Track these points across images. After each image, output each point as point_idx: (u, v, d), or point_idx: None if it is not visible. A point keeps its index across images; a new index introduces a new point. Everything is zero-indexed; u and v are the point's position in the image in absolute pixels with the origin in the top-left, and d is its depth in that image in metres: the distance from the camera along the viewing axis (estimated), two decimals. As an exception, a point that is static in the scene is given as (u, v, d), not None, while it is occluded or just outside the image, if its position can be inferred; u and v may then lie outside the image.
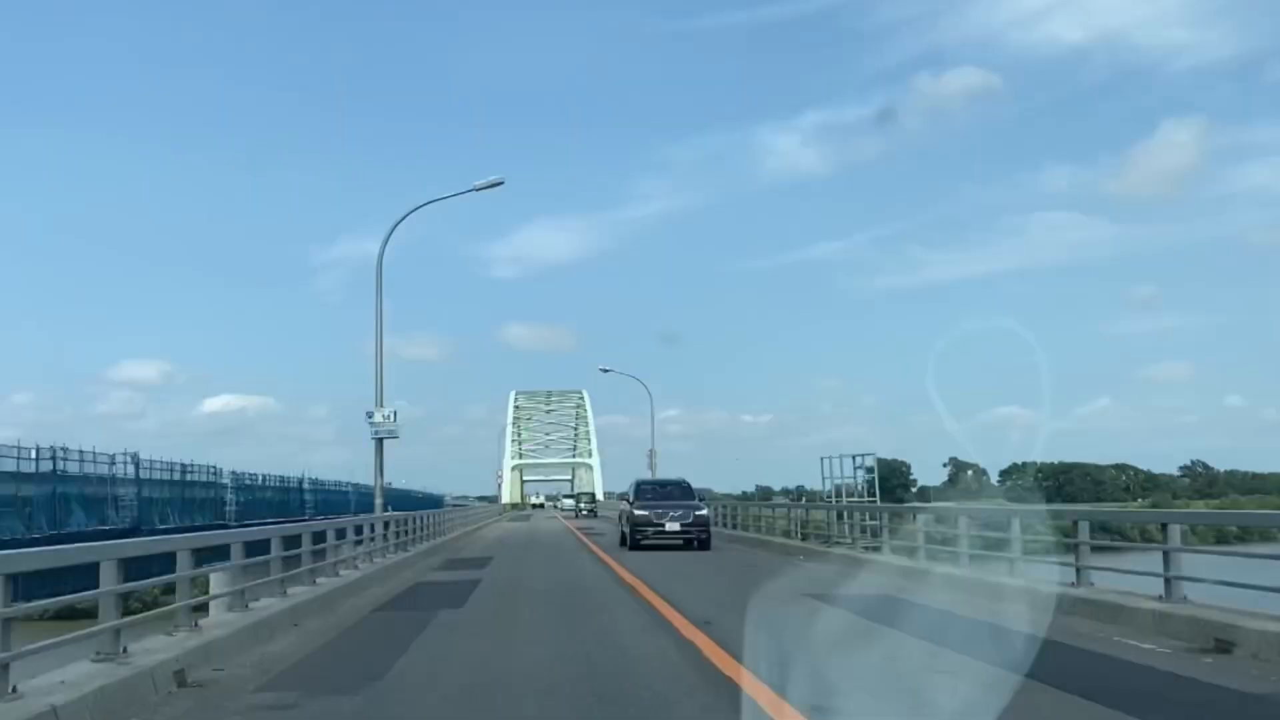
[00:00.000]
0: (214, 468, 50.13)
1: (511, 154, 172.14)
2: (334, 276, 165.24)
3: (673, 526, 22.13)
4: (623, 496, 26.74)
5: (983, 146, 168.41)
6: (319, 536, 13.20)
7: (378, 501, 21.45)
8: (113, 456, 39.23)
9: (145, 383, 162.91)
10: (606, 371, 52.29)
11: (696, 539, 22.22)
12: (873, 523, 19.00)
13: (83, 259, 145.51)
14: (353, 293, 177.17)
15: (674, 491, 24.13)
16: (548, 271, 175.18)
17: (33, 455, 33.16)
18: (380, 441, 21.35)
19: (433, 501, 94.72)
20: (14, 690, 5.55)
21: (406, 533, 21.22)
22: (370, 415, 20.99)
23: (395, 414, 21.06)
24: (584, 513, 69.52)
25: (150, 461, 42.25)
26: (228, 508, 51.22)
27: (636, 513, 22.87)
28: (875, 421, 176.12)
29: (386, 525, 19.05)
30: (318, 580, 12.89)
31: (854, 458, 23.91)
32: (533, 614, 11.25)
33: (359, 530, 16.55)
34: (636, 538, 22.51)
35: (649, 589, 13.30)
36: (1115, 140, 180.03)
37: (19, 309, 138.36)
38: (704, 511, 22.98)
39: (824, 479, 25.01)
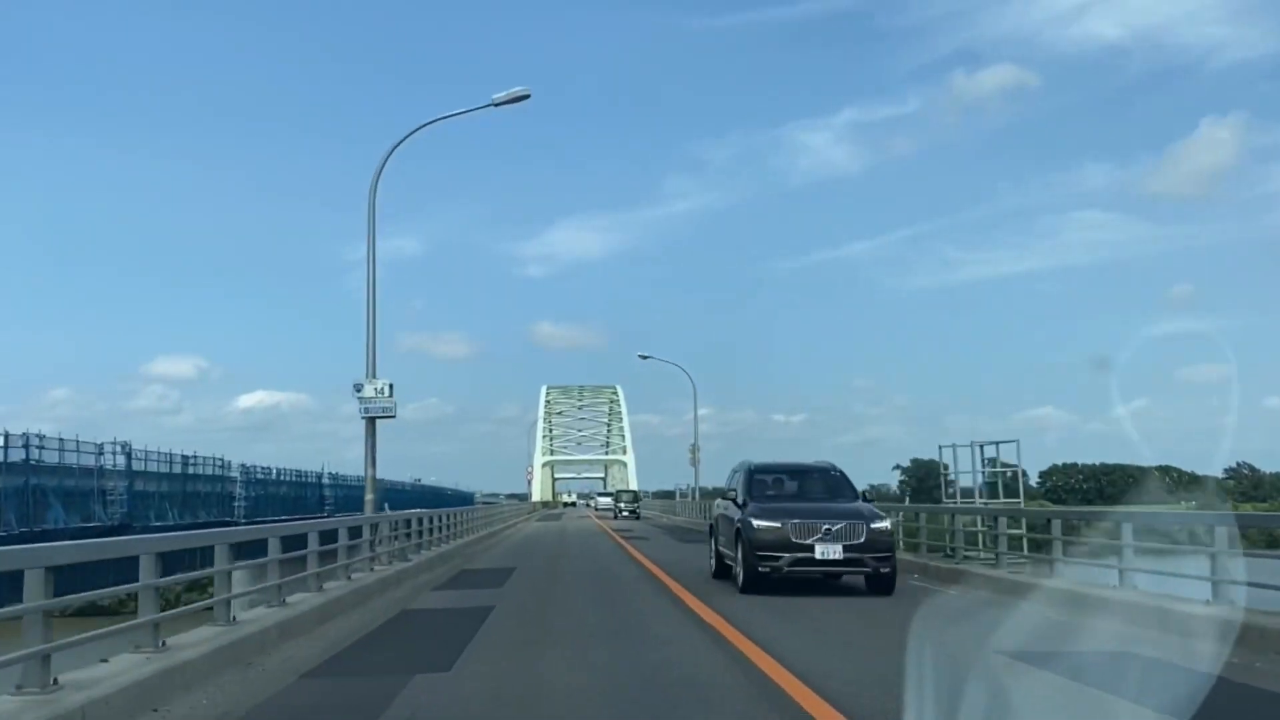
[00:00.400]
0: (221, 460, 46.31)
1: (542, 152, 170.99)
2: (366, 274, 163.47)
3: (829, 551, 12.22)
4: (722, 494, 15.76)
5: (1019, 145, 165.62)
6: (242, 549, 8.76)
7: (368, 498, 17.06)
8: (100, 446, 35.37)
9: (180, 379, 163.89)
10: (646, 358, 47.80)
11: (874, 573, 12.49)
12: (1014, 531, 14.34)
13: (118, 255, 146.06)
14: (386, 289, 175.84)
15: (815, 486, 14.12)
16: (578, 270, 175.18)
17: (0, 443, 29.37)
18: (373, 421, 16.91)
19: (462, 499, 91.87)
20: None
21: (409, 536, 16.84)
22: (359, 389, 16.55)
23: (390, 387, 16.59)
24: (624, 513, 60.31)
25: (146, 452, 38.30)
26: (236, 504, 47.49)
27: (758, 524, 12.61)
28: (908, 421, 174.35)
29: (375, 529, 14.61)
30: (239, 617, 8.45)
31: (981, 447, 18.94)
32: (566, 685, 6.69)
33: (330, 536, 12.13)
34: (758, 569, 12.48)
35: (750, 642, 8.61)
36: (1154, 139, 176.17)
37: (57, 305, 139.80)
38: (884, 523, 12.75)
39: (949, 473, 19.82)
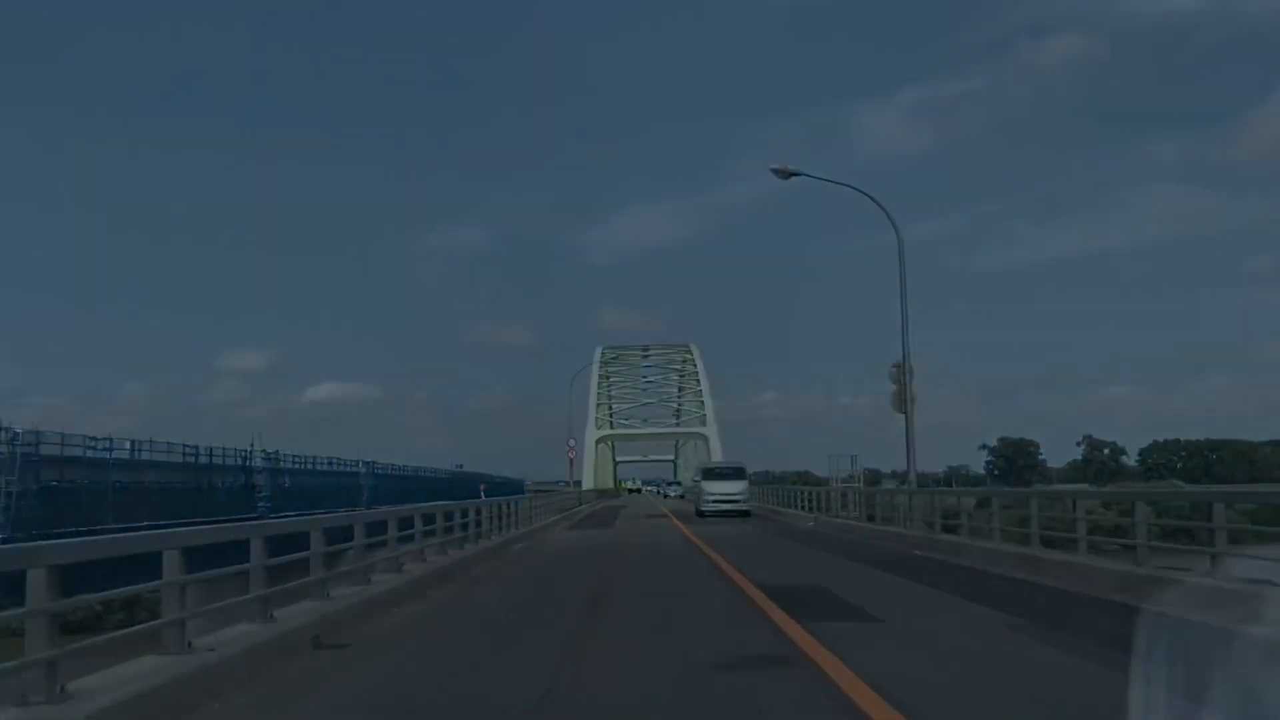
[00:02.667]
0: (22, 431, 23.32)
1: (606, 138, 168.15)
2: (434, 265, 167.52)
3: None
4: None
5: (1088, 118, 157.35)
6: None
7: None
8: None
9: (251, 372, 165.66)
10: (788, 177, 23.88)
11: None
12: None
13: (194, 252, 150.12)
14: (453, 281, 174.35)
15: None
16: (641, 256, 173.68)
17: None
18: None
19: (512, 488, 74.20)
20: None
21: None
22: None
23: None
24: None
25: None
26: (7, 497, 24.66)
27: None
28: (978, 402, 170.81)
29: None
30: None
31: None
32: None
33: None
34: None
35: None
36: (1228, 109, 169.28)
37: (134, 301, 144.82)
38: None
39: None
